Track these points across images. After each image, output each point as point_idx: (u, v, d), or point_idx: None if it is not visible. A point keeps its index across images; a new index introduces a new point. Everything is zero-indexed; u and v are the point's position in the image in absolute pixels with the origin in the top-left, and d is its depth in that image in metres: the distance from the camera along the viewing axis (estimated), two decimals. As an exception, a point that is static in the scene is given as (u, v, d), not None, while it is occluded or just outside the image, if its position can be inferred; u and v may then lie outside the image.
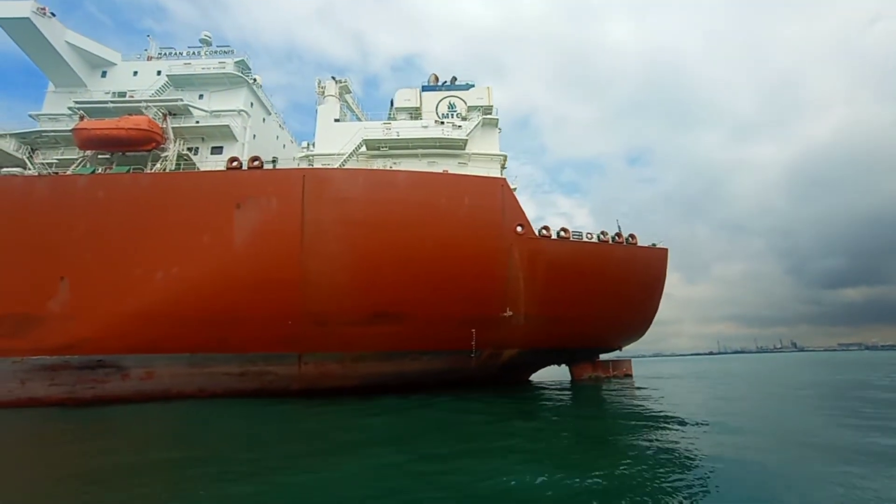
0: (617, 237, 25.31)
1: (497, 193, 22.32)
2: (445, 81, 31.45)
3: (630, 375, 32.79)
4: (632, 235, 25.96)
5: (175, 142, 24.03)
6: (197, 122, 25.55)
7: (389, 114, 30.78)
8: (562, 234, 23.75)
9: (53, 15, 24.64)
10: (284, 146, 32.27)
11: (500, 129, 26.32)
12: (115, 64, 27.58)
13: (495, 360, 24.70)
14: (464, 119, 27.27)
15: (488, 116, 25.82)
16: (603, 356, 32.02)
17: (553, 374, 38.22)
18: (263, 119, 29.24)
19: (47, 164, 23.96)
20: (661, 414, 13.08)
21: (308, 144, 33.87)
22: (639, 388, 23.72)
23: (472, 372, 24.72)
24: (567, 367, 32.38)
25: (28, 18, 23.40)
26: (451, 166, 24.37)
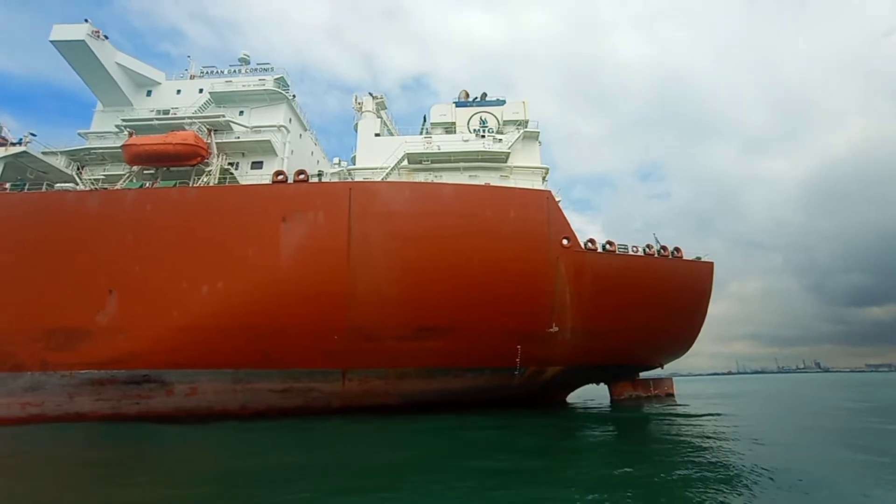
0: (662, 250, 24.68)
1: (542, 205, 21.97)
2: (476, 97, 31.72)
3: (672, 395, 31.55)
4: (677, 249, 25.31)
5: (218, 156, 24.31)
6: (237, 137, 25.89)
7: (422, 129, 30.97)
8: (608, 247, 23.22)
9: (106, 38, 25.50)
10: (318, 162, 32.54)
11: (540, 142, 26.18)
12: (160, 83, 28.31)
13: (538, 378, 23.91)
14: (499, 133, 27.27)
15: (529, 130, 25.75)
16: (643, 374, 30.96)
17: (586, 394, 37.00)
18: (300, 135, 29.58)
19: (94, 179, 24.37)
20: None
21: (339, 161, 34.29)
22: (700, 417, 18.42)
23: (513, 390, 23.95)
24: (603, 387, 31.47)
25: (83, 41, 24.23)
26: (493, 179, 24.17)
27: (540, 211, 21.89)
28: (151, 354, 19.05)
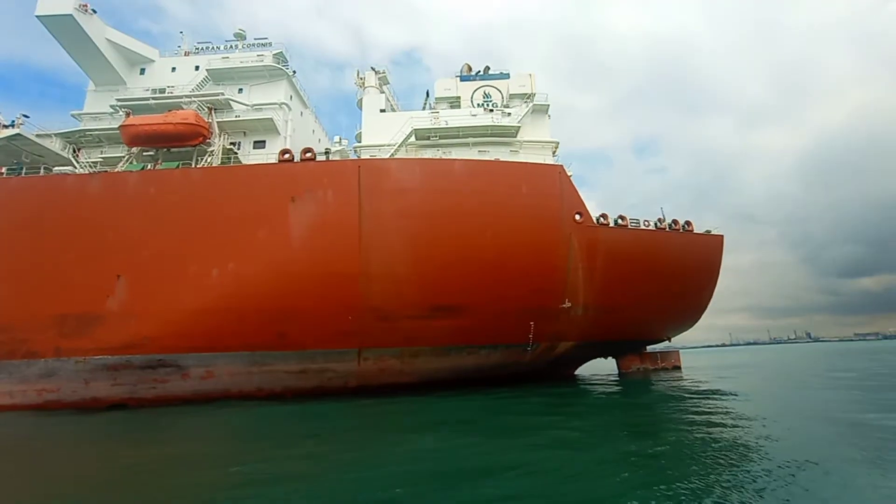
0: (673, 224, 24.54)
1: (555, 180, 21.63)
2: (479, 71, 30.77)
3: (679, 367, 32.02)
4: (688, 222, 25.18)
5: (220, 136, 23.58)
6: (237, 116, 25.06)
7: (425, 104, 30.11)
8: (619, 221, 23.02)
9: (95, 12, 24.21)
10: (320, 140, 31.76)
11: (549, 115, 25.56)
12: (153, 60, 27.17)
13: (549, 354, 24.09)
14: (505, 107, 26.56)
15: (538, 103, 25.07)
16: (650, 347, 31.33)
17: (590, 368, 37.49)
18: (301, 113, 28.71)
19: (92, 162, 23.60)
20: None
21: (340, 139, 33.46)
22: (709, 387, 19.05)
23: (524, 366, 24.15)
24: (608, 360, 31.86)
25: (71, 15, 22.97)
26: (503, 154, 23.69)
27: (552, 186, 21.56)
28: (165, 338, 18.88)
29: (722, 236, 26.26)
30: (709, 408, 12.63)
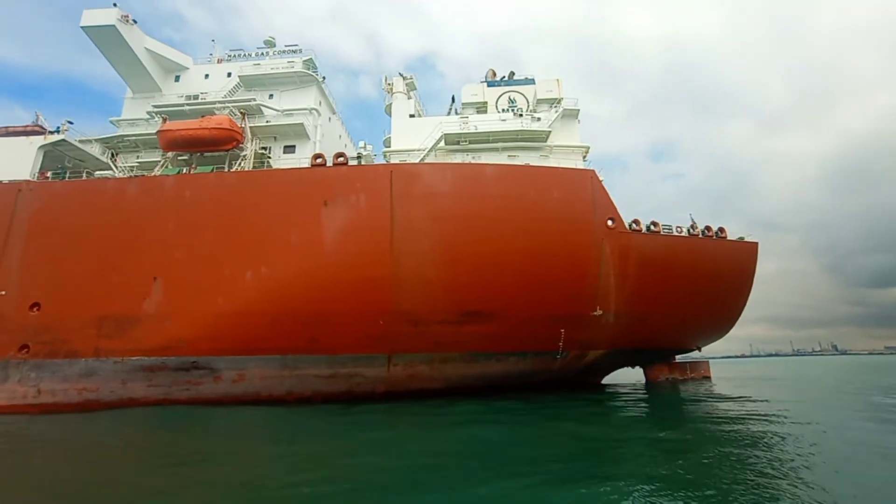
0: (706, 231, 23.97)
1: (587, 185, 21.36)
2: (504, 76, 30.76)
3: (709, 378, 31.17)
4: (721, 229, 24.57)
5: (252, 141, 23.98)
6: (268, 121, 25.48)
7: (450, 110, 30.16)
8: (652, 227, 22.58)
9: (135, 22, 25.02)
10: (346, 146, 32.05)
11: (579, 120, 25.34)
12: (188, 68, 27.88)
13: (578, 363, 23.64)
14: (533, 112, 26.42)
15: (569, 108, 24.88)
16: (679, 357, 30.57)
17: (615, 377, 36.71)
18: (329, 118, 29.08)
19: (129, 167, 24.25)
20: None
21: (364, 144, 33.74)
22: (769, 407, 15.51)
23: (553, 374, 23.75)
24: (633, 370, 31.15)
25: (114, 26, 23.79)
26: (533, 159, 23.51)
27: (584, 191, 21.28)
28: (199, 341, 19.09)
29: (756, 243, 25.55)
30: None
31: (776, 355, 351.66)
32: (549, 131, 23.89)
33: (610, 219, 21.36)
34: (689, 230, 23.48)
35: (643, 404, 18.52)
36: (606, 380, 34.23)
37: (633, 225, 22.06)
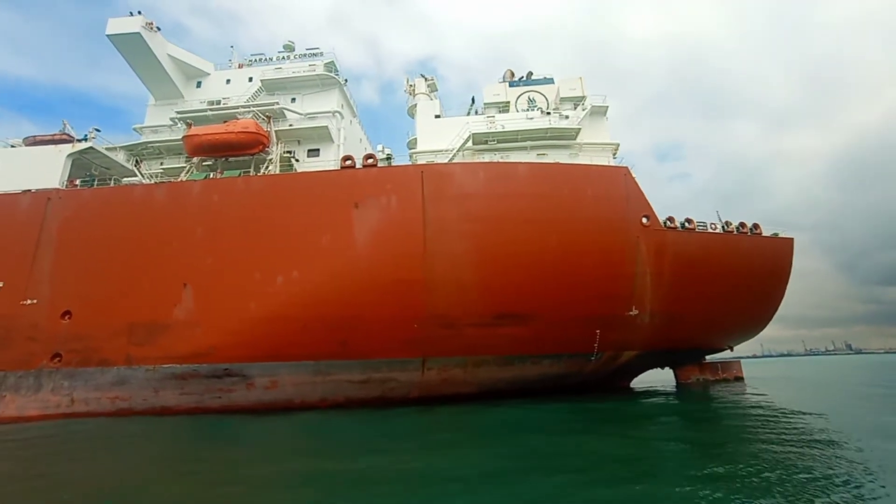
0: (741, 227, 23.40)
1: (620, 182, 20.92)
2: (522, 77, 30.48)
3: (741, 378, 30.37)
4: (755, 225, 23.99)
5: (277, 144, 23.79)
6: (291, 125, 25.30)
7: (469, 110, 29.87)
8: (686, 224, 22.07)
9: (159, 29, 25.04)
10: (366, 149, 31.83)
11: (607, 117, 24.92)
12: (209, 74, 27.84)
13: (612, 364, 23.08)
14: (555, 110, 26.05)
15: (597, 105, 24.49)
16: (709, 357, 29.83)
17: (642, 379, 35.94)
18: (350, 121, 28.88)
19: (153, 174, 24.13)
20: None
21: (382, 147, 33.51)
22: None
23: (585, 377, 23.20)
24: (662, 371, 30.43)
25: (139, 34, 23.80)
26: (562, 157, 23.11)
27: (618, 188, 20.84)
28: (231, 348, 18.78)
29: (792, 239, 24.89)
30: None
31: (788, 355, 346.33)
32: (579, 129, 23.49)
33: (645, 216, 20.88)
34: (723, 227, 22.93)
35: (680, 406, 17.86)
36: (633, 383, 33.61)
37: (668, 222, 21.56)
